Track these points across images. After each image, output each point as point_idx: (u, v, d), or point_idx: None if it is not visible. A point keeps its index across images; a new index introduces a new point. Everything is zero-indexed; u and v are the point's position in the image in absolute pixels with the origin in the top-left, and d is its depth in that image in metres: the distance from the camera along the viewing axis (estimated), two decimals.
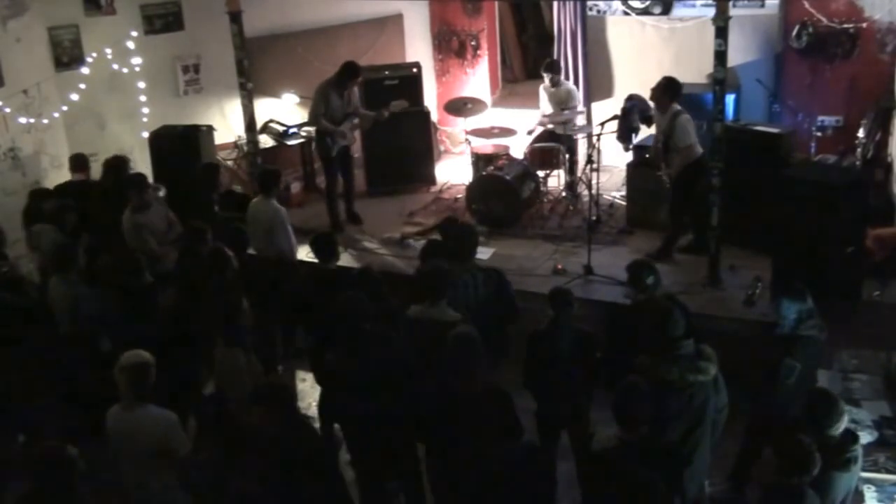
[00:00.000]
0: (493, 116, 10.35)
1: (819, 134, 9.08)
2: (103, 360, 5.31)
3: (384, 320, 5.37)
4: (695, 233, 7.85)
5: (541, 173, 9.16)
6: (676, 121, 7.50)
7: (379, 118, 8.89)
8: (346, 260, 6.47)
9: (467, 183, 9.16)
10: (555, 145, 9.14)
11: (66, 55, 8.75)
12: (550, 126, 9.40)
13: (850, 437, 4.15)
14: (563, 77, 9.74)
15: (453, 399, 4.53)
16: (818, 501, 3.87)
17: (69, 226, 6.86)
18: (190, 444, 4.66)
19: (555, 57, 10.26)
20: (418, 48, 11.12)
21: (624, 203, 8.93)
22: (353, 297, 4.97)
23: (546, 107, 9.48)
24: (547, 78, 9.36)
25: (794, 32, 9.22)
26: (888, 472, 4.62)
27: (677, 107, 7.62)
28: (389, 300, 5.86)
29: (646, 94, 7.97)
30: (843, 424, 4.09)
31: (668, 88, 7.59)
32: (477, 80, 11.30)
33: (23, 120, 8.16)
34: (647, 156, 8.35)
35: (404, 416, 4.85)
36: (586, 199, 8.54)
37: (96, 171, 7.97)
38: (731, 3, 7.05)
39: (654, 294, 5.35)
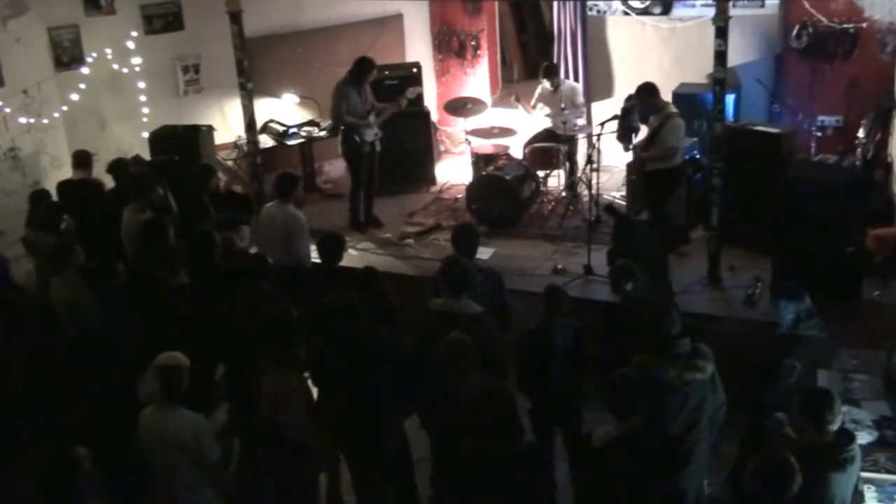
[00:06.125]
0: (493, 116, 10.35)
1: (819, 134, 9.09)
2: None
3: (385, 321, 5.37)
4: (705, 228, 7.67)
5: (541, 173, 9.16)
6: (669, 121, 7.52)
7: (398, 108, 8.83)
8: (346, 260, 6.44)
9: (467, 183, 9.16)
10: (555, 145, 9.14)
11: (66, 55, 8.74)
12: (550, 124, 9.41)
13: (846, 436, 4.13)
14: (562, 77, 9.73)
15: (450, 400, 4.54)
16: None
17: (64, 226, 6.79)
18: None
19: (555, 57, 10.29)
20: (418, 48, 11.12)
21: (624, 203, 8.93)
22: (345, 297, 4.95)
23: (540, 104, 9.47)
24: (547, 83, 9.37)
25: (794, 32, 9.21)
26: (888, 472, 4.60)
27: (673, 109, 7.62)
28: (391, 301, 5.85)
29: None
30: (839, 420, 4.07)
31: (648, 93, 7.62)
32: (477, 80, 11.29)
33: (23, 120, 8.16)
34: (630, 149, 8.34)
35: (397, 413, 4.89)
36: (586, 199, 8.54)
37: (97, 171, 7.97)
38: (731, 3, 7.04)
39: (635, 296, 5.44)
